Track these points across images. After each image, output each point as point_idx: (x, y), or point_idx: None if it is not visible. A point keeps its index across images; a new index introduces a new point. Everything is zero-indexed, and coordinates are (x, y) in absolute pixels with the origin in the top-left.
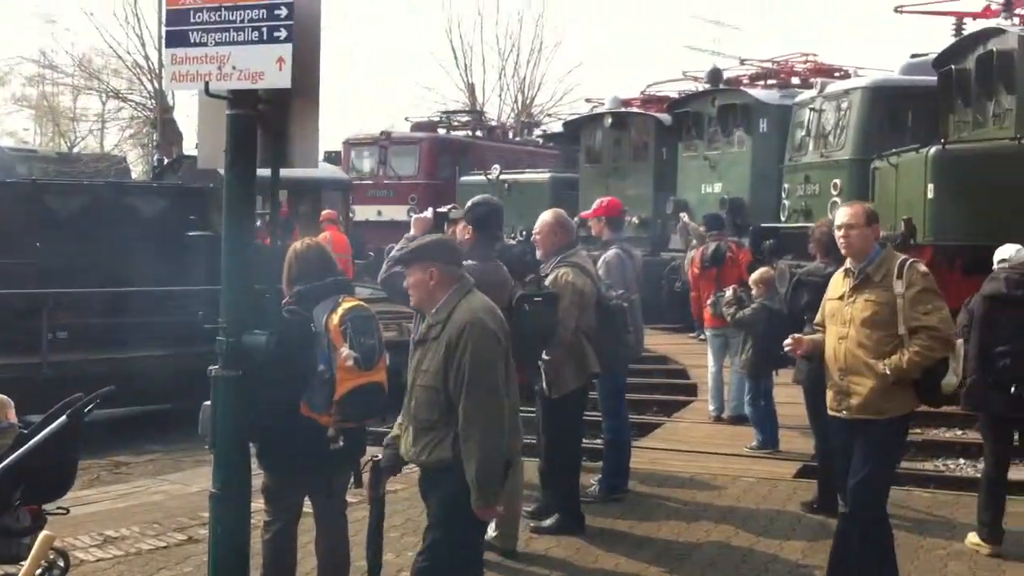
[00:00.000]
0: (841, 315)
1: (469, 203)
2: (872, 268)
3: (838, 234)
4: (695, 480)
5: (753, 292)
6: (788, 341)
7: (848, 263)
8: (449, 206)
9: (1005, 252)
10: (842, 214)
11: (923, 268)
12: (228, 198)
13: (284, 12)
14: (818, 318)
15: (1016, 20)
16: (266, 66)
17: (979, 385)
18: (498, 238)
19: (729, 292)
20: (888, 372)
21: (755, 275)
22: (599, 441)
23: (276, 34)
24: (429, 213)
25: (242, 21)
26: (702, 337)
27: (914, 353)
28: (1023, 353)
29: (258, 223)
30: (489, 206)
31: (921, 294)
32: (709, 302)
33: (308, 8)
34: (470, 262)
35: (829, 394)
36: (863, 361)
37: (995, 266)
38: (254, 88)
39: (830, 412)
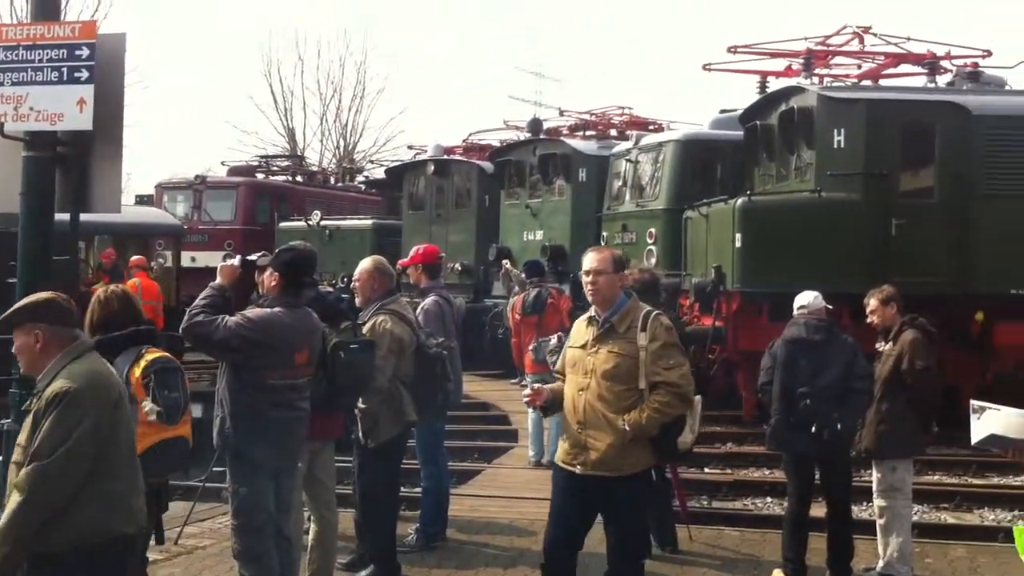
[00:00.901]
0: (583, 365)
1: (277, 250)
2: (617, 318)
3: (585, 280)
4: (513, 526)
5: None
6: (526, 392)
7: (592, 311)
8: (259, 253)
9: (804, 299)
10: (589, 259)
11: (667, 322)
12: (23, 243)
13: (86, 52)
14: (559, 366)
15: (815, 79)
16: (66, 107)
17: (782, 425)
18: (306, 284)
19: (554, 339)
20: (627, 428)
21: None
22: (418, 490)
23: (77, 75)
24: (236, 260)
25: (41, 61)
26: (523, 383)
27: (653, 409)
28: (822, 393)
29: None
30: (295, 252)
31: (664, 348)
32: (530, 348)
33: (111, 49)
34: (277, 309)
35: (564, 446)
36: (602, 415)
37: (795, 312)
38: (53, 129)
39: (562, 464)
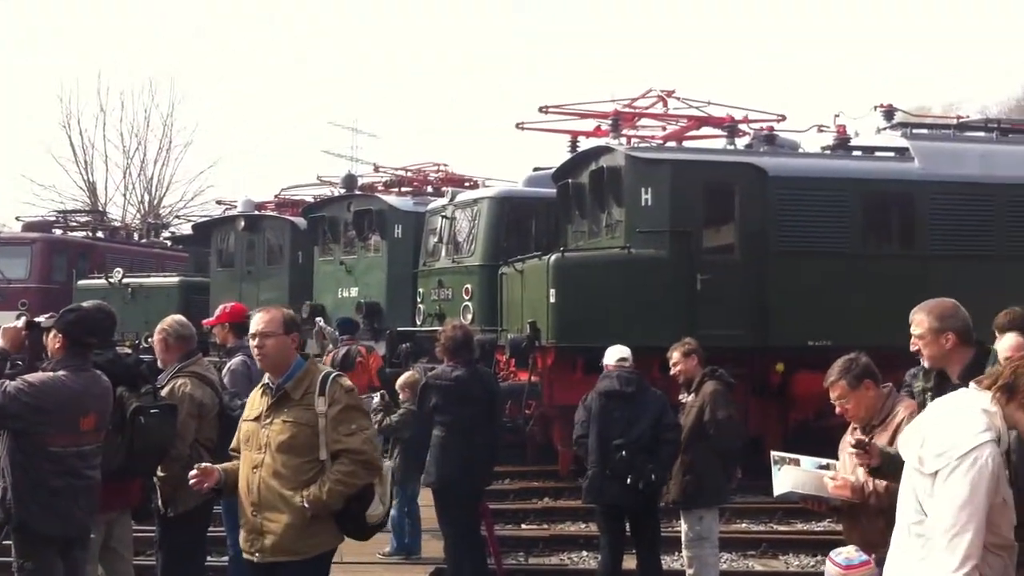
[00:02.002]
0: (256, 439)
1: (62, 310)
2: (291, 384)
3: (252, 343)
4: None
5: (400, 397)
6: (192, 472)
7: (266, 378)
8: (46, 315)
9: (616, 352)
10: (255, 321)
11: (348, 383)
12: None
13: None
14: (233, 443)
15: (624, 140)
16: None
17: (599, 477)
18: (93, 346)
19: (377, 398)
20: (307, 504)
21: (401, 379)
22: (225, 558)
23: None
24: (21, 322)
25: None
26: None
27: (335, 481)
28: (636, 445)
29: None
30: (80, 312)
31: (344, 412)
32: None
33: None
34: (61, 373)
35: (242, 533)
36: (278, 493)
37: (608, 365)
38: None
39: (244, 555)
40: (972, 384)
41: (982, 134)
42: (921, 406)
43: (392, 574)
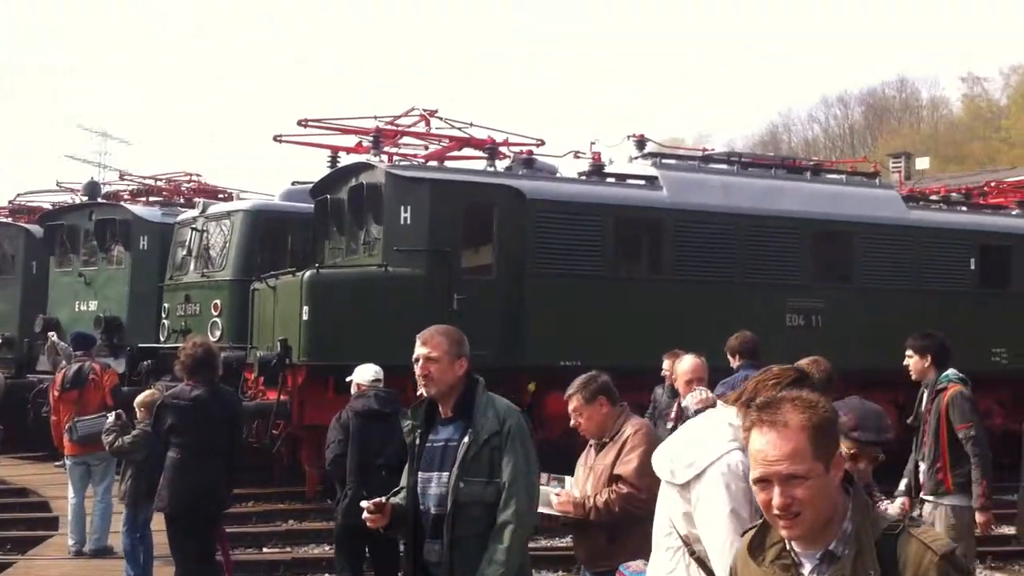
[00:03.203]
0: None
1: None
2: None
3: None
4: None
5: (137, 416)
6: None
7: None
8: None
9: (369, 371)
10: None
11: None
12: None
13: None
14: None
15: (384, 158)
16: None
17: (360, 498)
18: None
19: (112, 417)
20: None
21: (139, 398)
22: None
23: None
24: None
25: None
26: (59, 464)
27: None
28: (394, 464)
29: None
30: None
31: None
32: (66, 427)
33: None
34: None
35: None
36: None
37: (360, 384)
38: None
39: None
40: (719, 402)
41: (725, 166)
42: None
43: None
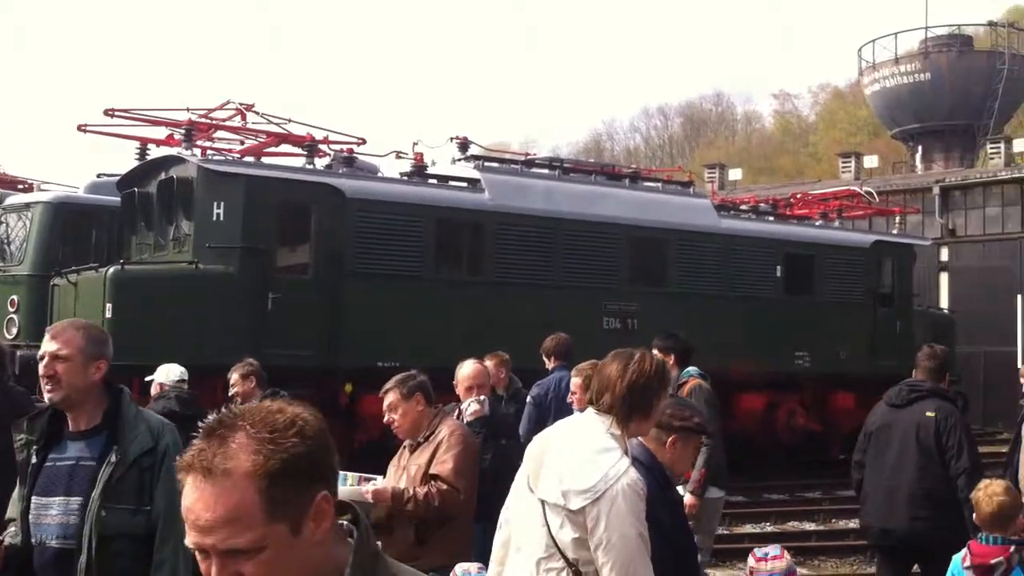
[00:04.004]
0: None
1: None
2: None
3: None
4: None
5: None
6: None
7: None
8: None
9: (173, 371)
10: None
11: None
12: None
13: None
14: None
15: (197, 152)
16: None
17: None
18: None
19: None
20: None
21: None
22: None
23: None
24: None
25: None
26: None
27: None
28: None
29: None
30: None
31: None
32: None
33: None
34: None
35: None
36: None
37: (162, 384)
38: None
39: None
40: (590, 409)
41: (547, 171)
42: None
43: None
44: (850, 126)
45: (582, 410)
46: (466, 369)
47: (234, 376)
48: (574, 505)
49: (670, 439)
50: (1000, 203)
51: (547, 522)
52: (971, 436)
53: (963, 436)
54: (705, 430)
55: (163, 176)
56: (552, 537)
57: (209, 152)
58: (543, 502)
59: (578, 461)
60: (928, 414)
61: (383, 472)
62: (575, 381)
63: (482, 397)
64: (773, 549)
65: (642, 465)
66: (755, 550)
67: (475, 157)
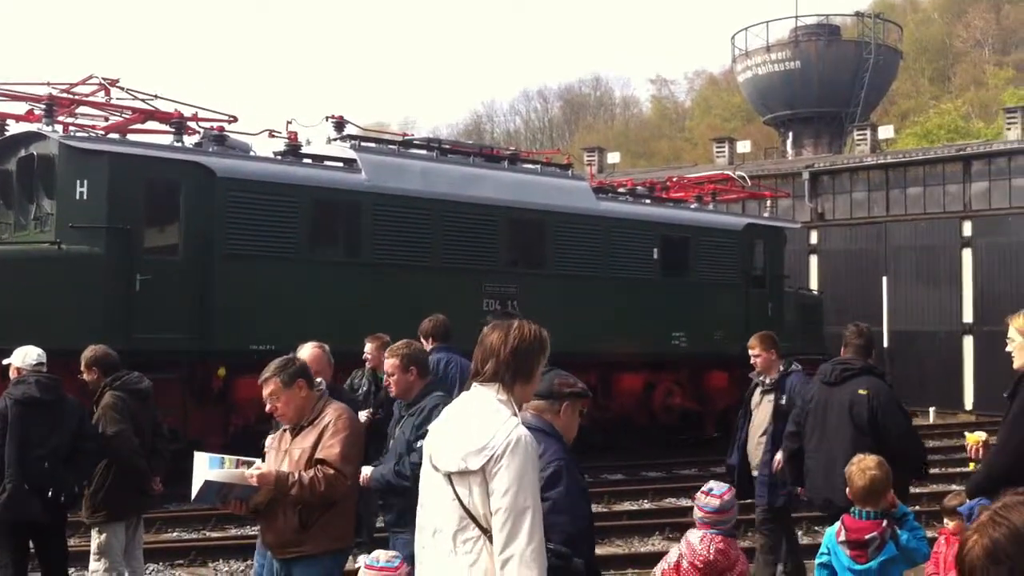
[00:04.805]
0: None
1: None
2: None
3: None
4: None
5: None
6: None
7: None
8: None
9: (31, 354)
10: None
11: None
12: None
13: None
14: None
15: (59, 128)
16: None
17: (20, 491)
18: None
19: None
20: None
21: None
22: None
23: None
24: None
25: None
26: None
27: None
28: (57, 455)
29: None
30: None
31: None
32: None
33: None
34: None
35: None
36: None
37: (20, 368)
38: None
39: None
40: (475, 383)
41: (425, 152)
42: None
43: None
44: (724, 112)
45: (397, 395)
46: (304, 354)
47: (83, 363)
48: (475, 465)
49: (563, 406)
50: (866, 188)
51: (456, 495)
52: (903, 408)
53: (896, 409)
54: (588, 393)
55: (23, 153)
56: (464, 508)
57: (71, 129)
58: (448, 476)
59: (472, 426)
60: (860, 392)
61: (261, 456)
62: (390, 362)
63: (319, 380)
64: (718, 487)
65: (546, 435)
66: (704, 487)
67: (351, 137)
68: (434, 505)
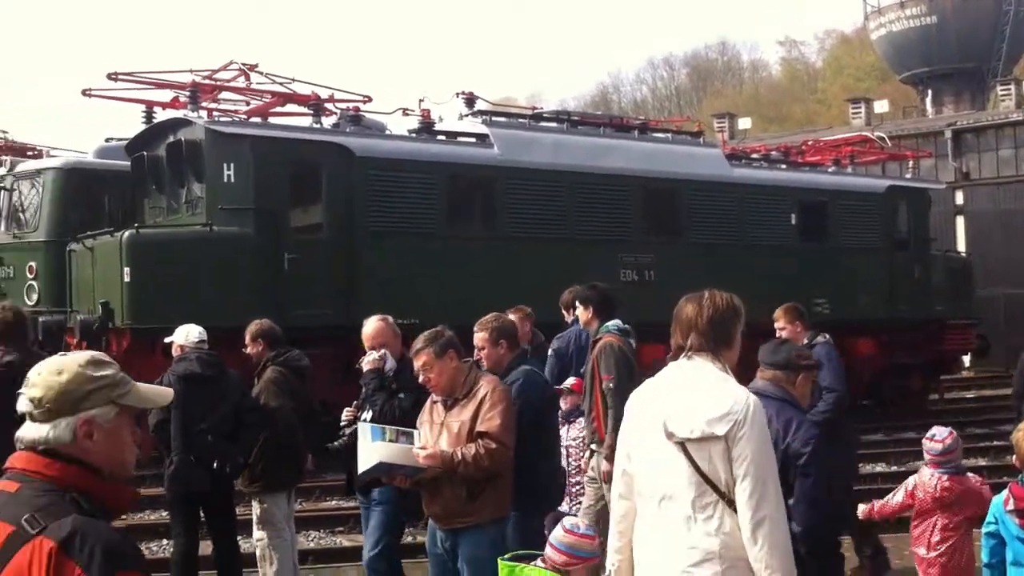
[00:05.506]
0: None
1: None
2: None
3: None
4: None
5: None
6: None
7: None
8: None
9: (192, 332)
10: None
11: None
12: None
13: None
14: None
15: (204, 114)
16: None
17: (185, 463)
18: None
19: None
20: None
21: None
22: None
23: None
24: None
25: None
26: None
27: None
28: (220, 429)
29: None
30: None
31: None
32: None
33: None
34: None
35: None
36: None
37: (182, 346)
38: None
39: None
40: (683, 357)
41: (555, 125)
42: None
43: None
44: (858, 72)
45: (488, 367)
46: (368, 328)
47: (248, 337)
48: (720, 430)
49: (800, 377)
50: (1013, 145)
51: (693, 461)
52: None
53: None
54: (816, 366)
55: (171, 139)
56: (702, 474)
57: (215, 114)
58: (682, 444)
59: (706, 395)
60: None
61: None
62: (480, 336)
63: (383, 351)
64: (940, 432)
65: (787, 403)
66: (928, 433)
67: (482, 112)
68: (663, 474)
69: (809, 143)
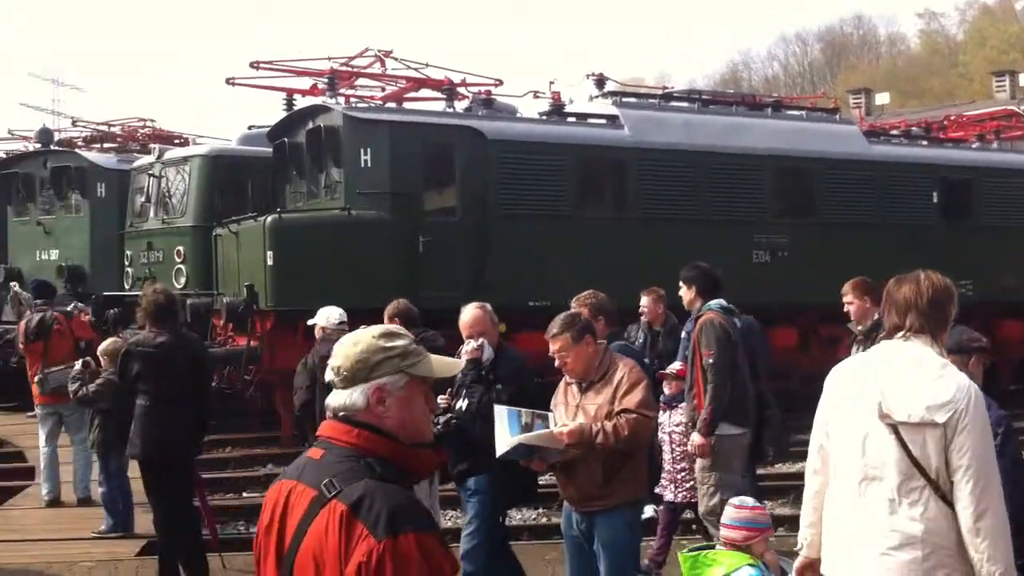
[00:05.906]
0: None
1: None
2: None
3: None
4: (28, 570)
5: (102, 365)
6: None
7: None
8: None
9: (334, 314)
10: None
11: None
12: None
13: None
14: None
15: (342, 100)
16: None
17: None
18: None
19: (78, 365)
20: None
21: (103, 346)
22: None
23: None
24: None
25: None
26: (31, 415)
27: None
28: None
29: None
30: None
31: None
32: (36, 379)
33: None
34: None
35: None
36: None
37: (324, 328)
38: None
39: None
40: (898, 337)
41: (686, 104)
42: None
43: (101, 548)
44: (1002, 43)
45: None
46: (466, 316)
47: (386, 317)
48: (941, 418)
49: (972, 360)
50: None
51: (905, 445)
52: None
53: None
54: (988, 348)
55: (311, 125)
56: (912, 458)
57: (352, 100)
58: (895, 427)
59: (925, 379)
60: None
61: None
62: (580, 311)
63: (481, 340)
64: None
65: None
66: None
67: (612, 93)
68: (869, 453)
69: (951, 118)
